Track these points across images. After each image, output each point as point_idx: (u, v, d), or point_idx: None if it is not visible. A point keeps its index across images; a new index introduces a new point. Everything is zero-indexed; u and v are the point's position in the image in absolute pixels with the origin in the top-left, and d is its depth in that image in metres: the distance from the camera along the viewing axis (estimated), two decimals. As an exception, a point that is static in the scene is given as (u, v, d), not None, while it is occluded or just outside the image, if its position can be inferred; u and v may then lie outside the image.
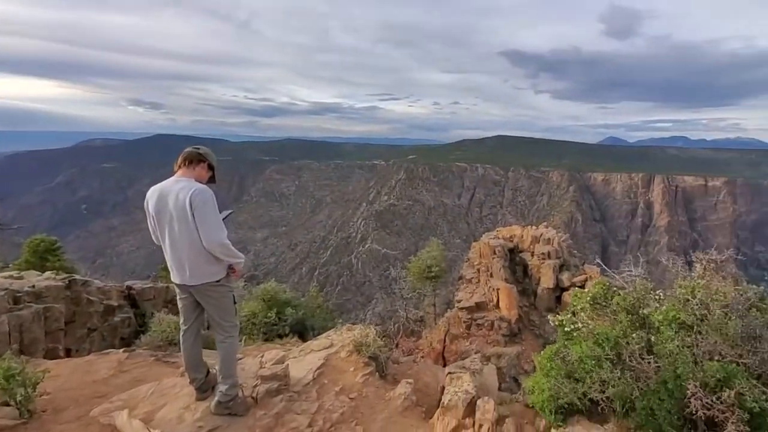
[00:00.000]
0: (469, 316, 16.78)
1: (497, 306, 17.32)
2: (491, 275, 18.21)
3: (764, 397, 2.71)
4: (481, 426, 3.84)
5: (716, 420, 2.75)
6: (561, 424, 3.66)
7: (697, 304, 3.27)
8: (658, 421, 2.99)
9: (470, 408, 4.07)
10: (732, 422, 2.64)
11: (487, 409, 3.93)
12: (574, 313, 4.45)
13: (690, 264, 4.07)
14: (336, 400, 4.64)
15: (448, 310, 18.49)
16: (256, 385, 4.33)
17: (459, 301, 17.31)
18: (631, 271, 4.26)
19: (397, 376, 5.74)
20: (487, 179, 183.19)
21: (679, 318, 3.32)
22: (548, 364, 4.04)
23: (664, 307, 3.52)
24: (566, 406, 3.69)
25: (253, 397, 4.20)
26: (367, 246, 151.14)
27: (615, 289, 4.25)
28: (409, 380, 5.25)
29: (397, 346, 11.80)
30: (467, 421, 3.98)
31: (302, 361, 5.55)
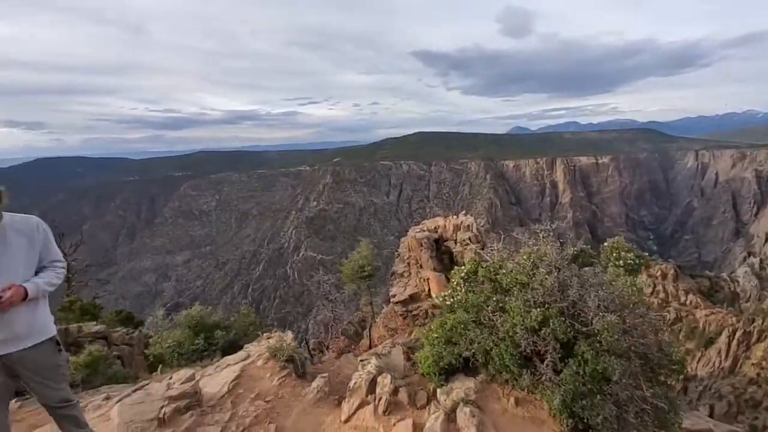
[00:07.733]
0: (405, 309, 17.55)
1: (429, 295, 18.31)
2: (421, 267, 19.10)
3: (570, 329, 3.56)
4: (380, 399, 4.34)
5: (541, 352, 3.54)
6: (443, 383, 4.29)
7: (530, 266, 4.09)
8: (506, 363, 3.72)
9: (372, 386, 4.55)
10: (549, 351, 3.44)
11: (384, 383, 4.44)
12: (454, 288, 5.17)
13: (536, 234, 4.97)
14: (251, 406, 4.82)
15: (384, 306, 19.19)
16: (162, 407, 4.35)
17: (393, 296, 18.06)
18: (494, 246, 5.06)
19: (317, 374, 6.05)
20: (412, 175, 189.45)
21: (519, 279, 4.13)
22: (433, 335, 4.67)
23: (512, 271, 4.33)
24: (447, 367, 4.34)
25: (160, 418, 4.23)
26: (301, 254, 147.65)
27: (482, 263, 5.04)
28: (324, 374, 5.60)
29: (327, 347, 12.04)
30: (369, 397, 4.45)
31: (218, 376, 5.60)
